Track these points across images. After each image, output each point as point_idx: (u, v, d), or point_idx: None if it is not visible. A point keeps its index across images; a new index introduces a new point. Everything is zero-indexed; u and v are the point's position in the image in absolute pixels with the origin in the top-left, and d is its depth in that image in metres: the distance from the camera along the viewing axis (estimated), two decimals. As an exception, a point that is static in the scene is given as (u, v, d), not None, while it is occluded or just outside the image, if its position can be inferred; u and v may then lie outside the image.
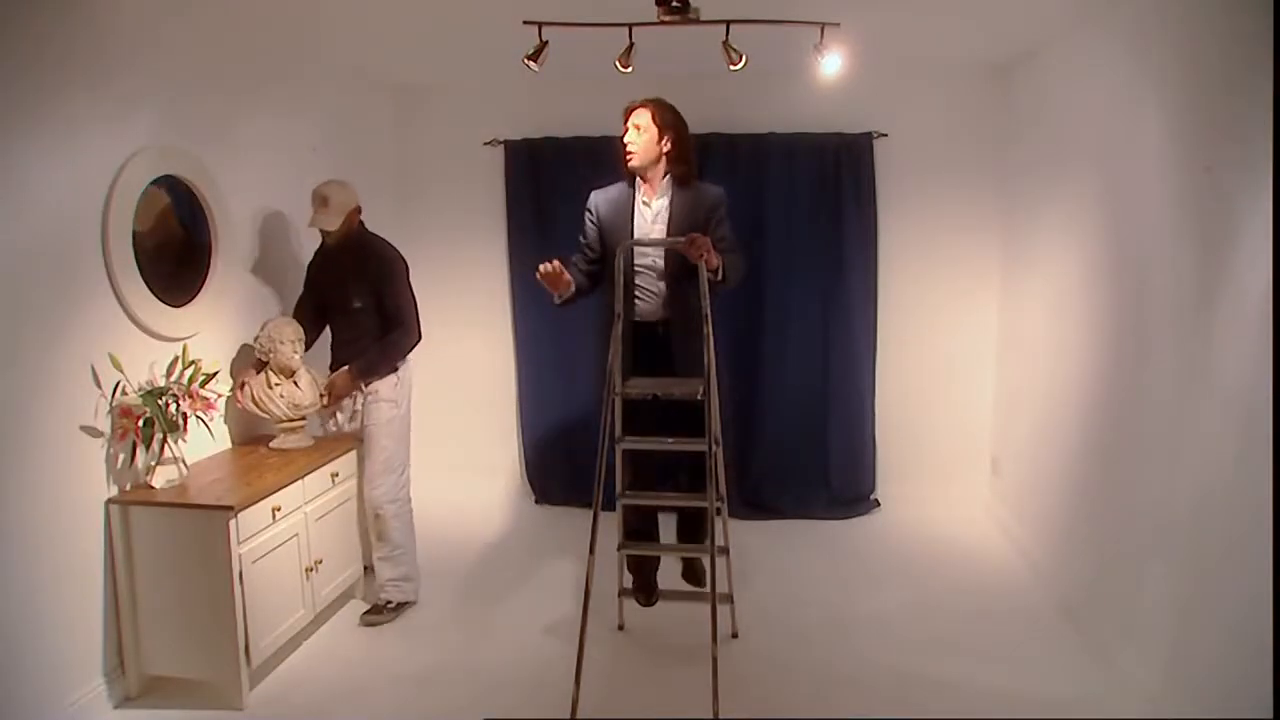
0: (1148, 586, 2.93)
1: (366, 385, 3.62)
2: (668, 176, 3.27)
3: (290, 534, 3.20)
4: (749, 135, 4.73)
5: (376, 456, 3.62)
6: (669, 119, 3.24)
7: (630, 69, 3.27)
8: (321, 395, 3.60)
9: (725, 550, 3.36)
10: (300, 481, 3.26)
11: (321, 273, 3.70)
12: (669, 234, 3.18)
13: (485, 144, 4.95)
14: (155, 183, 3.08)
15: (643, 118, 3.23)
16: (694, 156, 3.30)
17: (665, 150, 3.22)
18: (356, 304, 3.57)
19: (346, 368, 3.60)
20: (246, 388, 3.46)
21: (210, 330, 3.40)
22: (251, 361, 3.55)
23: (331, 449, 3.56)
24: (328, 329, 3.77)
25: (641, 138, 3.22)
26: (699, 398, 3.01)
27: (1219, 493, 2.51)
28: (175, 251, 3.28)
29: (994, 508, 4.76)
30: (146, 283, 3.04)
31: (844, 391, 4.86)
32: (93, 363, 2.83)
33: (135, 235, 2.99)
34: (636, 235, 3.22)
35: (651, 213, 3.26)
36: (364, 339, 3.60)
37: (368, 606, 3.65)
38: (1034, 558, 4.04)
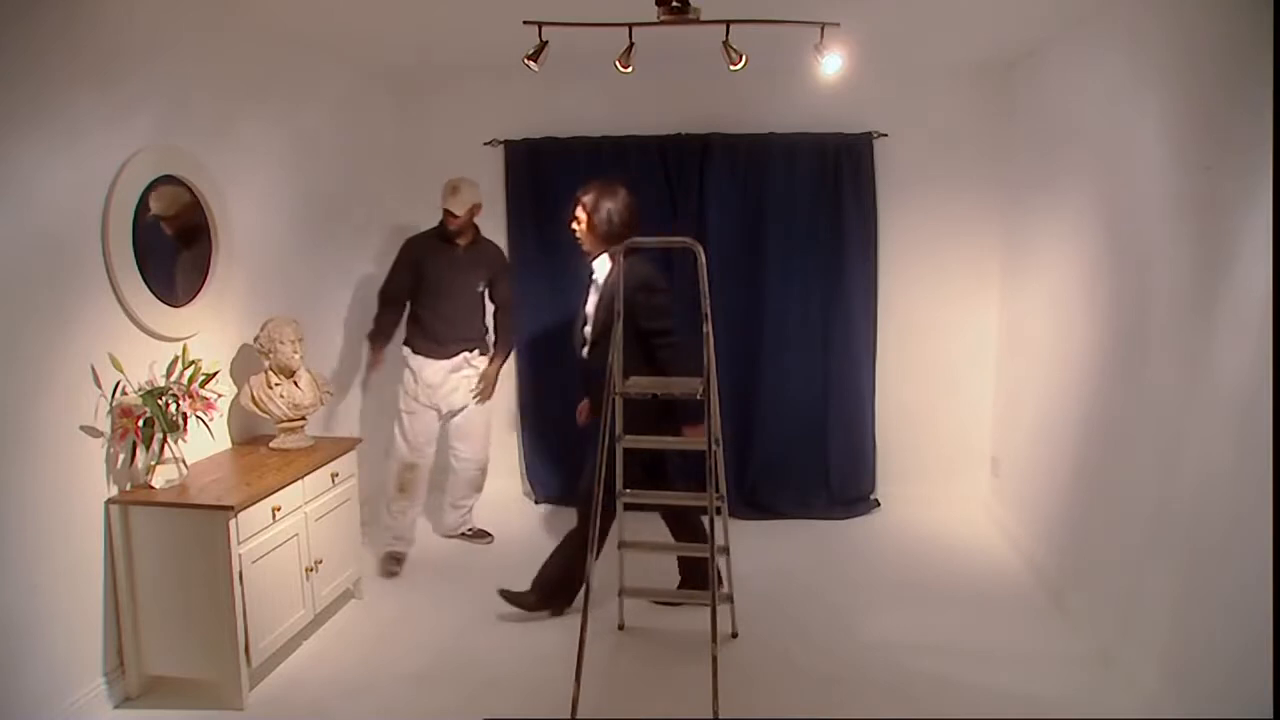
0: (1147, 586, 2.93)
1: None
2: (604, 252, 3.46)
3: (290, 534, 3.20)
4: (749, 135, 4.73)
5: (482, 426, 4.32)
6: (599, 211, 3.40)
7: (630, 69, 3.28)
8: (476, 389, 4.20)
9: (725, 550, 3.36)
10: (300, 481, 3.26)
11: (437, 258, 4.11)
12: (597, 306, 3.46)
13: (485, 144, 4.95)
14: (155, 182, 3.08)
15: (581, 211, 3.46)
16: (626, 230, 3.41)
17: (600, 234, 3.43)
18: (480, 289, 4.17)
19: (492, 362, 4.26)
20: (249, 389, 3.48)
21: (210, 330, 3.40)
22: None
23: (331, 449, 3.56)
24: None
25: (582, 229, 3.48)
26: (699, 397, 3.03)
27: (1218, 493, 2.51)
28: (183, 246, 3.31)
29: (994, 508, 4.76)
30: (146, 283, 3.04)
31: (844, 391, 4.86)
32: (93, 363, 2.83)
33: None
34: (588, 306, 3.53)
35: (598, 281, 3.50)
36: (476, 320, 4.21)
37: (472, 532, 4.46)
38: (1034, 557, 4.04)
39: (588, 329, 3.51)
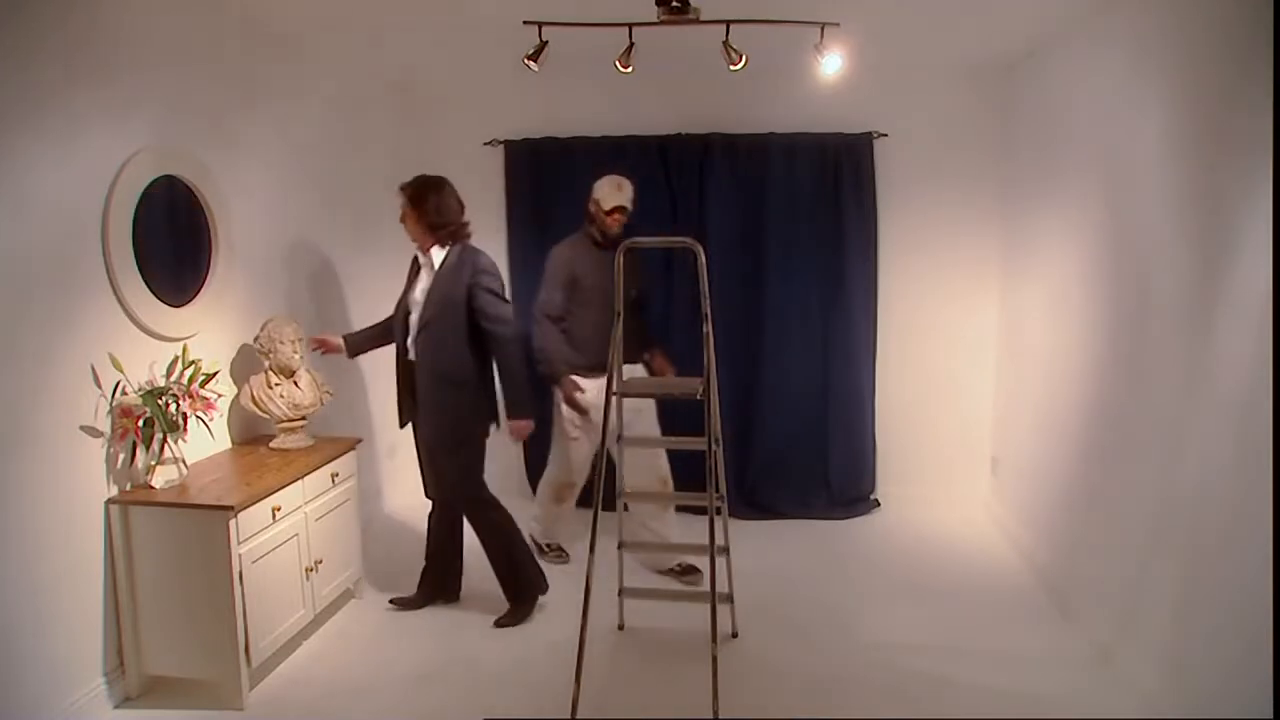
0: (1147, 586, 2.93)
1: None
2: (434, 242, 3.47)
3: (290, 534, 3.20)
4: (749, 135, 4.73)
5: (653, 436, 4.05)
6: (417, 202, 3.41)
7: (630, 69, 3.28)
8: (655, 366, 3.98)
9: (725, 550, 3.36)
10: (300, 481, 3.26)
11: (590, 266, 3.85)
12: (430, 297, 3.41)
13: (485, 144, 4.96)
14: (155, 182, 3.08)
15: (403, 206, 3.44)
16: (452, 216, 3.46)
17: (426, 225, 3.43)
18: (633, 293, 3.71)
19: (657, 353, 4.05)
20: (249, 389, 3.48)
21: (210, 330, 3.40)
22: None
23: (331, 449, 3.56)
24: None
25: (408, 225, 3.45)
26: (699, 397, 3.03)
27: (1218, 492, 2.51)
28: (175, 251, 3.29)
29: (994, 508, 4.76)
30: (146, 283, 3.04)
31: (844, 391, 4.86)
32: (93, 363, 2.83)
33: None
34: (416, 293, 3.48)
35: (433, 267, 3.46)
36: (636, 332, 3.80)
37: (681, 568, 3.97)
38: (1034, 558, 4.04)
39: (414, 317, 3.47)
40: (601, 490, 3.03)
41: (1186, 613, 2.68)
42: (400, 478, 4.97)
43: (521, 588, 3.60)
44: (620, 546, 3.33)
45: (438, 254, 3.44)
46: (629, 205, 3.87)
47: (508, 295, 3.44)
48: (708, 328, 3.02)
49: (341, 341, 3.73)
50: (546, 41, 3.23)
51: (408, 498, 4.49)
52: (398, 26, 3.73)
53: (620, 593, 3.43)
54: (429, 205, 3.39)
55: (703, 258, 3.00)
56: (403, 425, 3.64)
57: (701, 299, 3.00)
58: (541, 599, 3.68)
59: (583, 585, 2.96)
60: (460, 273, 3.39)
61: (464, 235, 3.50)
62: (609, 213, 3.84)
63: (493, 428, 3.59)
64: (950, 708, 2.93)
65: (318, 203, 4.24)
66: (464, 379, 3.42)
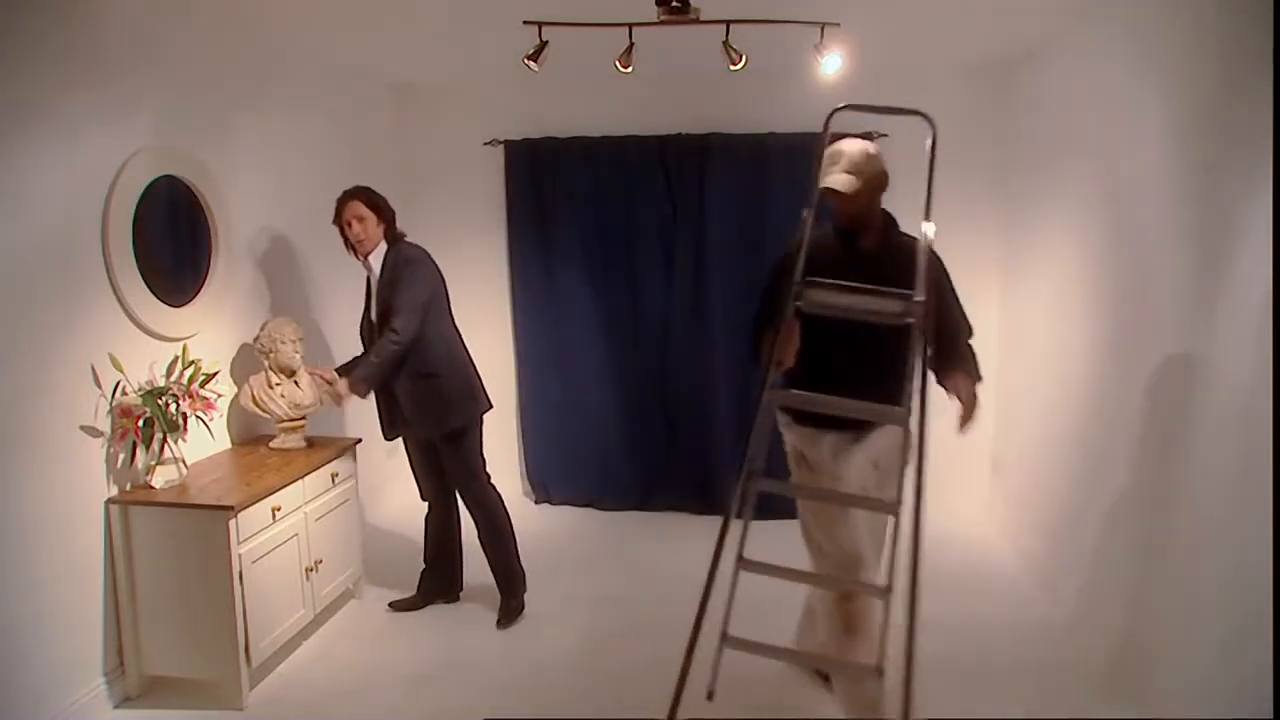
0: (1147, 587, 2.93)
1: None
2: (381, 243, 3.47)
3: (290, 534, 3.20)
4: (749, 135, 4.73)
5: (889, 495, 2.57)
6: (378, 206, 3.42)
7: (630, 69, 3.29)
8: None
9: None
10: (300, 481, 3.26)
11: (826, 265, 2.50)
12: (380, 298, 3.42)
13: (485, 144, 4.96)
14: (155, 183, 3.08)
15: (359, 209, 3.38)
16: (395, 215, 3.52)
17: (384, 226, 3.45)
18: (899, 312, 2.41)
19: (960, 381, 2.51)
20: (249, 389, 3.48)
21: (210, 330, 3.40)
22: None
23: (331, 449, 3.56)
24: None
25: (366, 227, 3.39)
26: (905, 319, 2.24)
27: (1218, 492, 2.51)
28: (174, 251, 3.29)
29: (994, 508, 4.76)
30: (146, 283, 3.04)
31: (844, 391, 4.84)
32: (93, 363, 2.83)
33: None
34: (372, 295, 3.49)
35: (374, 277, 3.47)
36: (893, 367, 2.52)
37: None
38: (1034, 558, 4.04)
39: (373, 314, 3.49)
40: (742, 492, 2.34)
41: (1187, 613, 2.68)
42: (400, 478, 4.97)
43: (509, 578, 3.64)
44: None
45: (376, 258, 3.46)
46: (841, 189, 2.63)
47: (424, 286, 3.40)
48: (925, 227, 2.37)
49: (344, 386, 3.37)
50: (546, 41, 3.23)
51: (408, 498, 4.48)
52: (398, 26, 3.73)
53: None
54: (384, 207, 3.43)
55: (934, 134, 2.37)
56: (390, 438, 3.61)
57: (928, 194, 2.38)
58: (540, 602, 3.68)
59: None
60: (397, 267, 3.41)
61: (403, 234, 3.54)
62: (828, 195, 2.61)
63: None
64: (949, 708, 2.93)
65: (318, 202, 4.22)
66: (435, 369, 3.43)
